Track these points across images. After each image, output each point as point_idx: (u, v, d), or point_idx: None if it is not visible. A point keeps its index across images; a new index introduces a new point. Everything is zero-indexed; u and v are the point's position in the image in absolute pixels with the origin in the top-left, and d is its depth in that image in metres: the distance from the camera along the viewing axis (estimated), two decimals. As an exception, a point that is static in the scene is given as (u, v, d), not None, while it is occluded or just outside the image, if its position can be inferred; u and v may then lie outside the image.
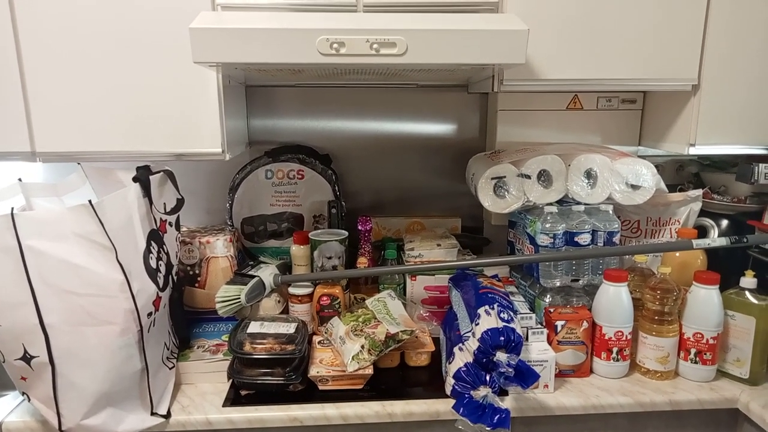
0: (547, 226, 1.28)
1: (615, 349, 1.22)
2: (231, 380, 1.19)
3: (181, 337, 1.27)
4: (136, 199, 1.07)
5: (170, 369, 1.17)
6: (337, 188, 1.58)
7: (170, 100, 1.22)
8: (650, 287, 1.22)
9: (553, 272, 1.31)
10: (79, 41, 1.18)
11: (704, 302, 1.20)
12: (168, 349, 1.19)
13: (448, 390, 1.11)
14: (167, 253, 1.16)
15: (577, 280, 1.32)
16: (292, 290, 1.36)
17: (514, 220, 1.48)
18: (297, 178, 1.57)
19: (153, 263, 1.08)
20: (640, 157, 1.40)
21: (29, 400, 1.03)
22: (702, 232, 1.45)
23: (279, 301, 1.38)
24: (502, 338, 1.03)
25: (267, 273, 1.35)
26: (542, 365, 1.15)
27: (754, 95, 1.32)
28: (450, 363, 1.14)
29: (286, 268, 1.49)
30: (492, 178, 1.33)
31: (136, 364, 1.05)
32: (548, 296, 1.32)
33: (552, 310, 1.25)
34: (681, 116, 1.38)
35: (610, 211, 1.33)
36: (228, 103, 1.29)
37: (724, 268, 1.24)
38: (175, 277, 1.21)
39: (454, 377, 1.08)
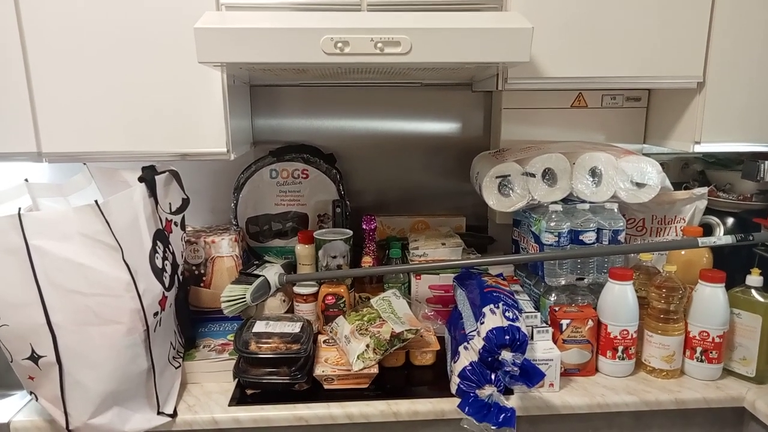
0: (552, 224, 1.28)
1: (620, 348, 1.21)
2: (237, 379, 1.20)
3: (187, 336, 1.28)
4: (142, 199, 1.07)
5: (176, 368, 1.18)
6: (341, 187, 1.58)
7: (175, 100, 1.23)
8: (656, 285, 1.22)
9: (558, 271, 1.31)
10: (84, 42, 1.19)
11: (710, 300, 1.19)
12: (174, 349, 1.19)
13: (454, 389, 1.12)
14: (173, 253, 1.17)
15: (582, 279, 1.32)
16: (297, 289, 1.36)
17: (519, 219, 1.47)
18: (301, 177, 1.57)
19: (159, 263, 1.09)
20: (644, 155, 1.40)
21: (37, 399, 1.04)
22: (707, 230, 1.45)
23: (284, 301, 1.38)
24: (507, 337, 1.03)
25: (272, 272, 1.35)
26: (547, 364, 1.15)
27: (760, 92, 1.31)
28: (455, 362, 1.14)
29: (290, 267, 1.49)
30: (496, 177, 1.32)
31: (143, 363, 1.05)
32: (553, 295, 1.32)
33: (557, 308, 1.25)
34: (686, 114, 1.38)
35: (615, 210, 1.32)
36: (233, 103, 1.29)
37: (729, 266, 1.24)
38: (180, 277, 1.21)
39: (459, 376, 1.09)
